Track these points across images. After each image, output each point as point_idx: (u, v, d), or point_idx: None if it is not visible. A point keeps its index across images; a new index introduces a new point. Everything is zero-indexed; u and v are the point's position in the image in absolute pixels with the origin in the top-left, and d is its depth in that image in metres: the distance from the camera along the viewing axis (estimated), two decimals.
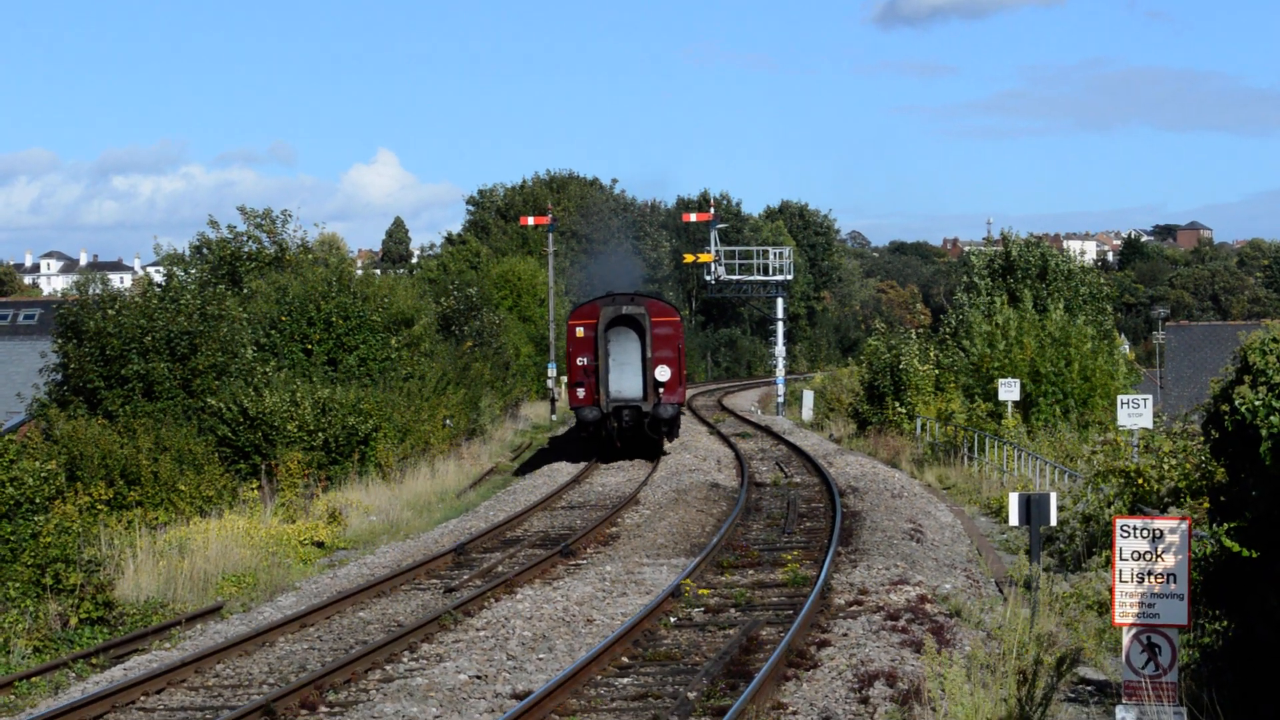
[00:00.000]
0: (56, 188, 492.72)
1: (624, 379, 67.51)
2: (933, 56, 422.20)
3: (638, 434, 67.85)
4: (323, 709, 25.72)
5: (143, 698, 27.35)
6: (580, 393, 67.36)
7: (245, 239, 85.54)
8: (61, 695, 28.19)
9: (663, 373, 66.46)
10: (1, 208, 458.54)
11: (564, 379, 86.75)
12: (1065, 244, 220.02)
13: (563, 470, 64.60)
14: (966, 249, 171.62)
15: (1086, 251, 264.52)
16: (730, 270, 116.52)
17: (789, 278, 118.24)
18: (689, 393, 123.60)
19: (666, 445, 71.89)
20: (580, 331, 67.77)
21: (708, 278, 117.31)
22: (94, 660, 31.01)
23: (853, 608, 32.09)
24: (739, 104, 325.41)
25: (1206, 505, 24.74)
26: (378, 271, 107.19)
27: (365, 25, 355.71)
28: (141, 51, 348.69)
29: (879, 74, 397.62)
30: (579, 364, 67.35)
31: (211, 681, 28.61)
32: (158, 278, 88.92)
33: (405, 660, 29.23)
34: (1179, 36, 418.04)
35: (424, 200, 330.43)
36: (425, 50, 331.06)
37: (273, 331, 69.33)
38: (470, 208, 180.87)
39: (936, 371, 78.41)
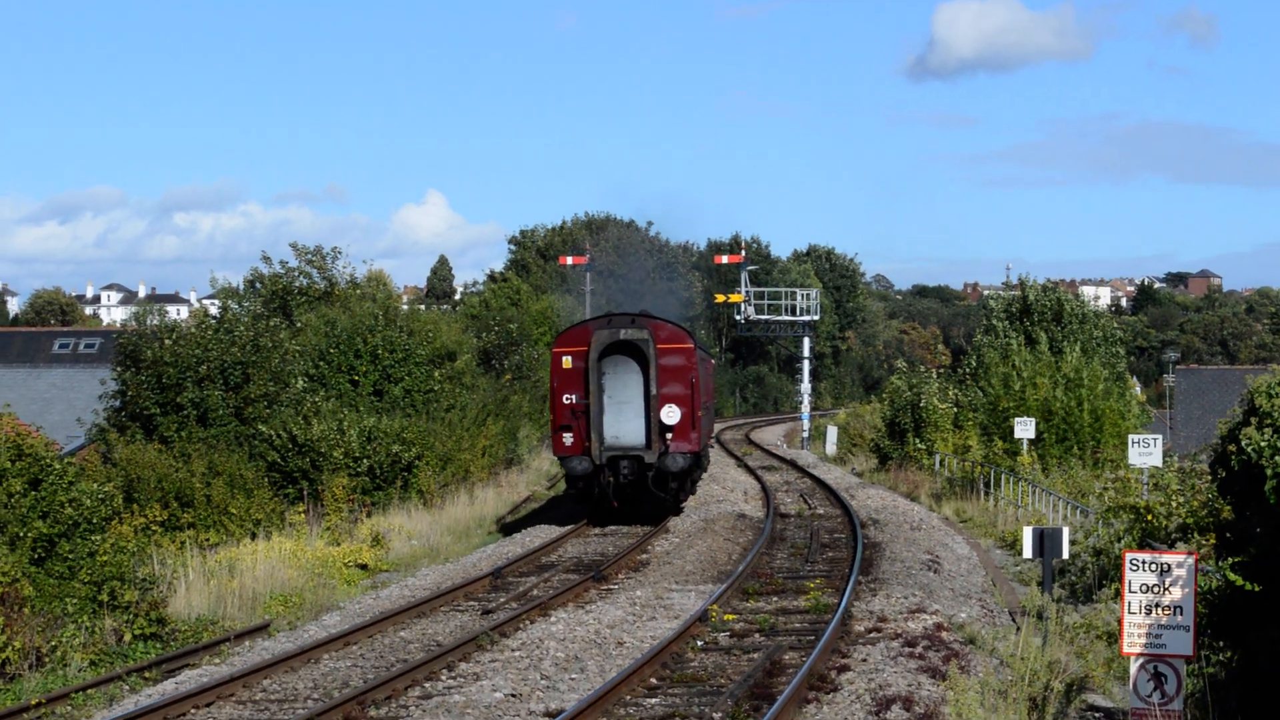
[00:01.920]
0: (121, 223, 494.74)
1: (622, 422, 53.54)
2: (959, 108, 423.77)
3: (640, 491, 53.68)
4: None
5: (193, 710, 27.39)
6: (567, 439, 53.21)
7: (297, 274, 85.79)
8: (115, 707, 28.25)
9: (671, 414, 52.57)
10: (68, 242, 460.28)
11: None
12: (1080, 289, 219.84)
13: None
14: (986, 293, 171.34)
15: (1101, 297, 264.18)
16: (759, 310, 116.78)
17: (815, 318, 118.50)
18: (717, 427, 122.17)
19: (684, 502, 58.81)
20: (567, 362, 53.49)
21: (738, 317, 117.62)
22: (147, 674, 31.07)
23: (872, 634, 32.05)
24: (771, 151, 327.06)
25: (1213, 541, 24.70)
26: (422, 307, 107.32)
27: (419, 73, 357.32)
28: (205, 95, 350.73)
29: (908, 124, 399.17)
30: (565, 402, 53.23)
31: (259, 696, 28.64)
32: (213, 310, 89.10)
33: (444, 678, 29.24)
34: (1195, 92, 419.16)
35: (470, 240, 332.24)
36: (475, 98, 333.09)
37: (321, 363, 69.40)
38: (512, 247, 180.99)
39: (955, 410, 78.28)
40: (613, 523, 55.02)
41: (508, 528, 57.33)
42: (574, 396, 53.12)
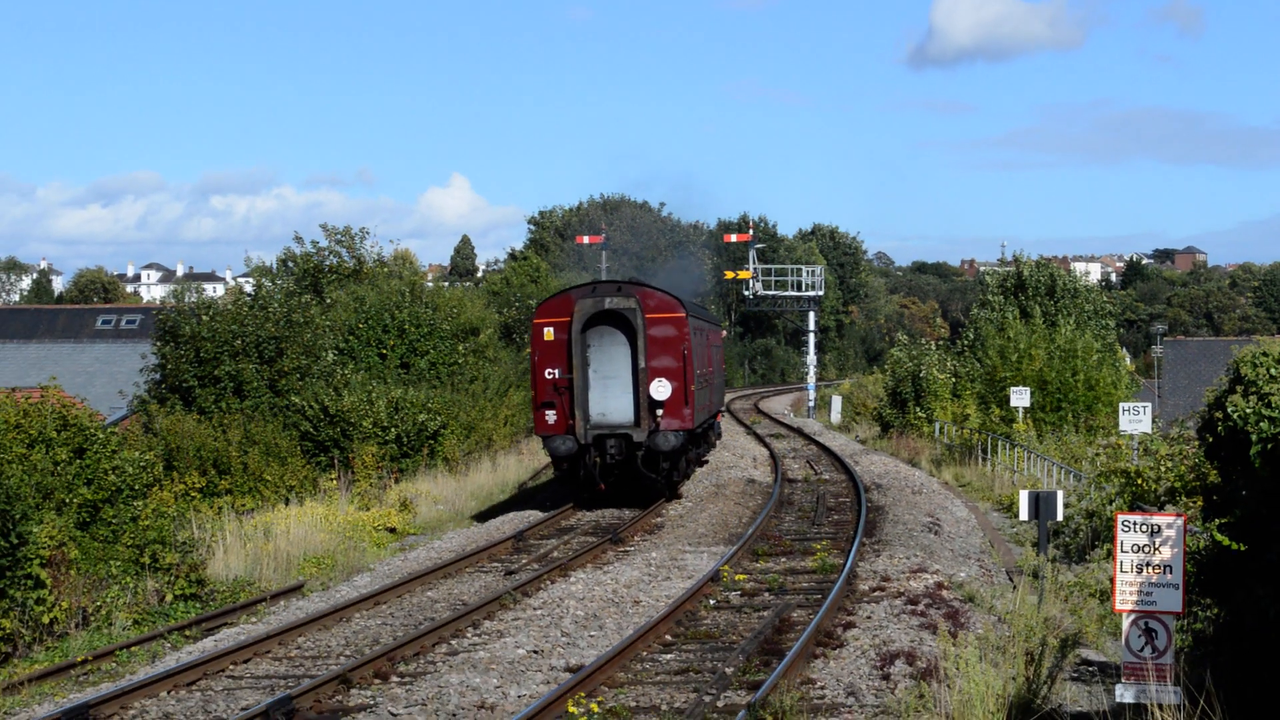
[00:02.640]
0: (161, 206, 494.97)
1: (608, 398, 47.85)
2: (957, 95, 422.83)
3: (629, 472, 48.26)
4: (394, 679, 25.76)
5: (231, 666, 27.42)
6: (549, 416, 47.73)
7: (327, 254, 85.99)
8: (158, 663, 28.28)
9: (661, 389, 46.94)
10: (110, 224, 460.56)
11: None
12: (1072, 265, 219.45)
13: None
14: (982, 269, 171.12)
15: (1092, 272, 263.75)
16: (767, 286, 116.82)
17: (820, 294, 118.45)
18: (728, 396, 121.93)
19: (680, 484, 52.58)
20: (548, 333, 47.81)
21: (746, 293, 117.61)
22: (187, 633, 31.09)
23: (876, 593, 32.06)
24: (777, 135, 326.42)
25: (1200, 503, 24.69)
26: (446, 284, 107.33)
27: (442, 63, 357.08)
28: (241, 83, 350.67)
29: (908, 110, 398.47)
30: (547, 377, 47.53)
31: (294, 653, 28.68)
32: (248, 288, 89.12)
33: (469, 636, 29.27)
34: (1182, 79, 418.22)
35: (492, 221, 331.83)
36: (496, 86, 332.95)
37: (351, 337, 69.53)
38: (531, 227, 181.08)
39: (954, 380, 78.28)
40: (601, 506, 49.47)
41: (529, 493, 57.30)
42: (556, 371, 47.59)
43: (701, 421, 52.87)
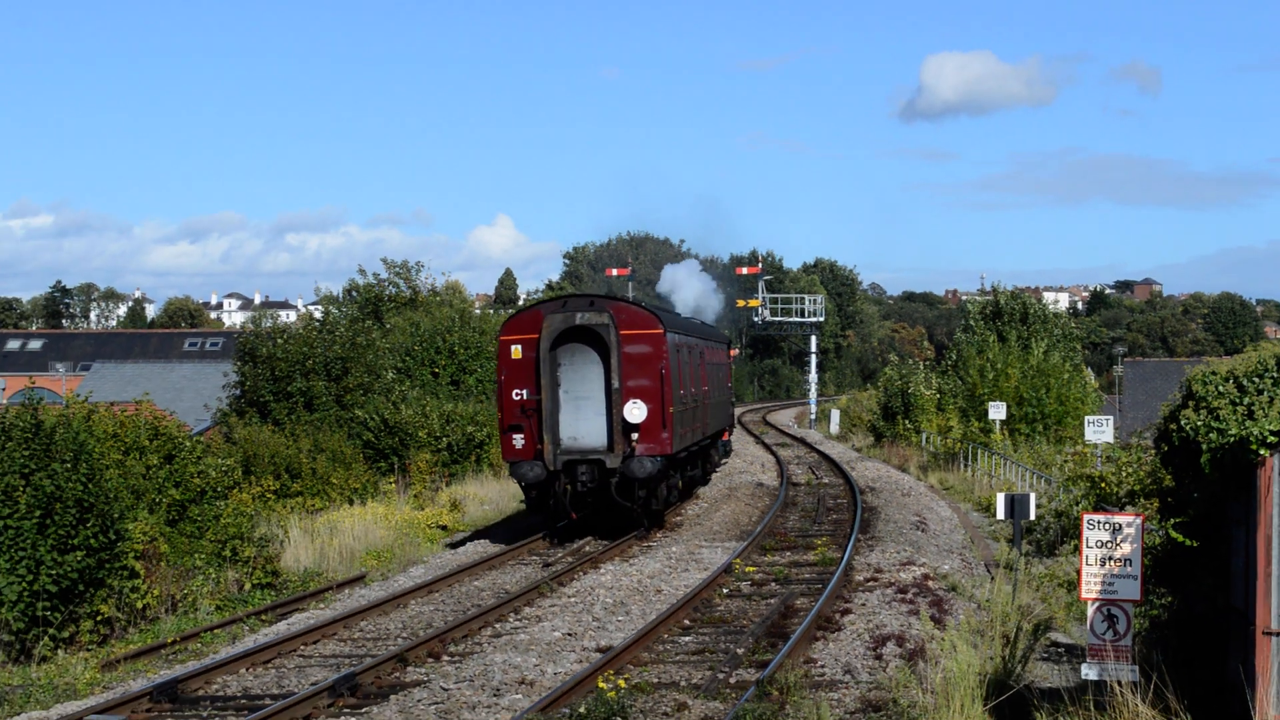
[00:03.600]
0: (242, 242, 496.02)
1: (580, 420, 40.40)
2: (942, 145, 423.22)
3: (602, 500, 40.62)
4: (445, 657, 25.78)
5: (303, 647, 27.44)
6: (516, 440, 40.26)
7: (387, 284, 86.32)
8: (238, 644, 28.31)
9: (636, 411, 39.64)
10: (197, 258, 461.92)
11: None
12: (1043, 294, 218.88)
13: None
14: (964, 298, 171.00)
15: (1060, 300, 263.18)
16: (774, 313, 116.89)
17: (821, 320, 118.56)
18: (738, 411, 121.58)
19: (665, 513, 44.42)
20: (516, 351, 40.48)
21: (755, 319, 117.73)
22: (263, 617, 31.14)
23: (870, 583, 32.01)
24: (784, 179, 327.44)
25: (1156, 505, 24.63)
26: (492, 311, 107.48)
27: (489, 116, 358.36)
28: (314, 133, 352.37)
29: (899, 157, 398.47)
30: (514, 398, 40.14)
31: (357, 635, 28.69)
32: (317, 314, 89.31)
33: (511, 620, 29.26)
34: (1141, 131, 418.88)
35: (532, 255, 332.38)
36: (537, 135, 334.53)
37: (408, 358, 69.74)
38: (567, 261, 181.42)
39: (938, 395, 78.22)
40: (574, 536, 41.88)
41: None
42: (524, 392, 40.19)
43: (687, 445, 44.62)
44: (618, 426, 39.80)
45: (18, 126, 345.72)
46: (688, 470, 48.39)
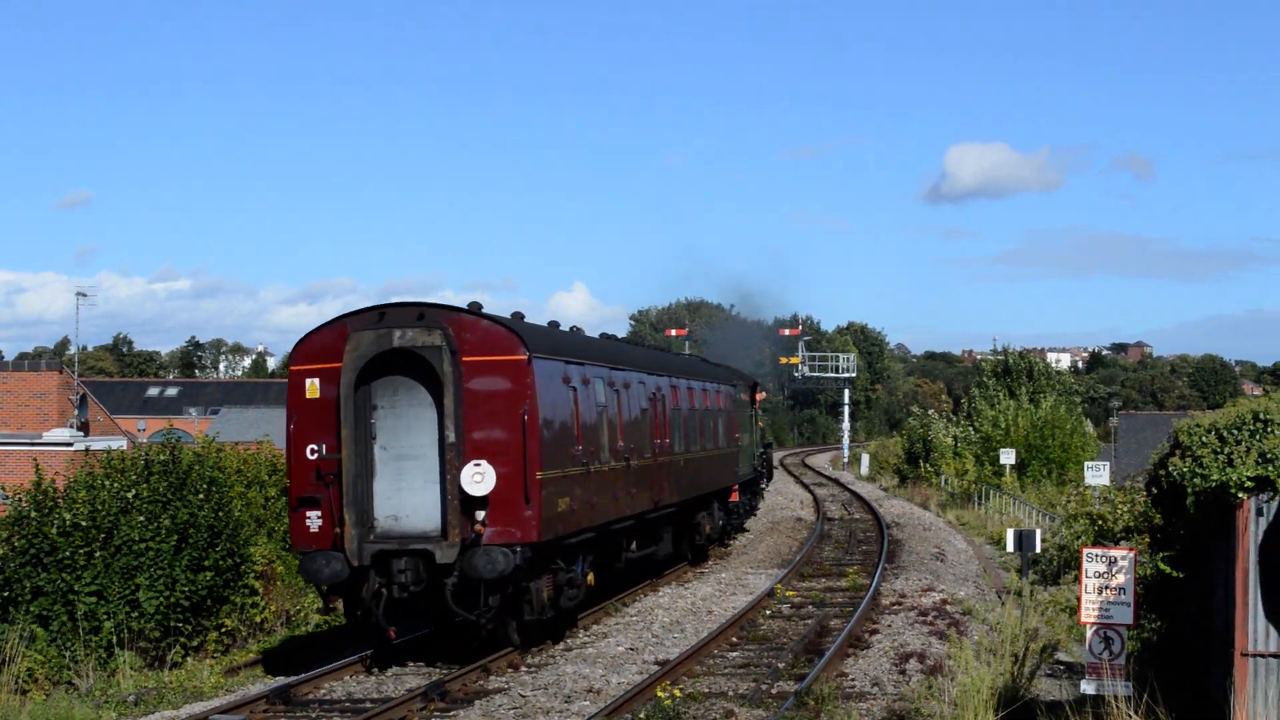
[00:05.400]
0: (354, 304, 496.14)
1: (402, 490, 25.21)
2: (963, 224, 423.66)
3: (437, 609, 25.31)
4: (523, 668, 25.68)
5: (397, 657, 27.37)
6: (311, 520, 25.15)
7: None
8: (343, 655, 28.24)
9: (480, 478, 24.51)
10: (315, 317, 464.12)
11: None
12: (1047, 354, 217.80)
13: None
14: (979, 357, 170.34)
15: (1063, 360, 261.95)
16: (812, 369, 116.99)
17: (853, 375, 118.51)
18: (780, 455, 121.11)
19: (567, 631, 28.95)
20: (312, 387, 25.43)
21: (795, 374, 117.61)
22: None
23: (895, 607, 31.84)
24: (823, 252, 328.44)
25: (1148, 540, 24.44)
26: None
27: (568, 195, 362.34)
28: (419, 211, 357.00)
29: (925, 234, 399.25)
30: (309, 457, 25.31)
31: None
32: None
33: (580, 636, 29.19)
34: (1136, 212, 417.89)
35: (604, 317, 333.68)
36: (610, 214, 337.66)
37: None
38: (632, 322, 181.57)
39: (955, 442, 78.01)
40: (399, 659, 26.33)
41: None
42: (323, 447, 25.03)
43: (595, 525, 28.25)
44: (454, 501, 24.19)
45: (162, 202, 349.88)
46: (626, 551, 32.34)
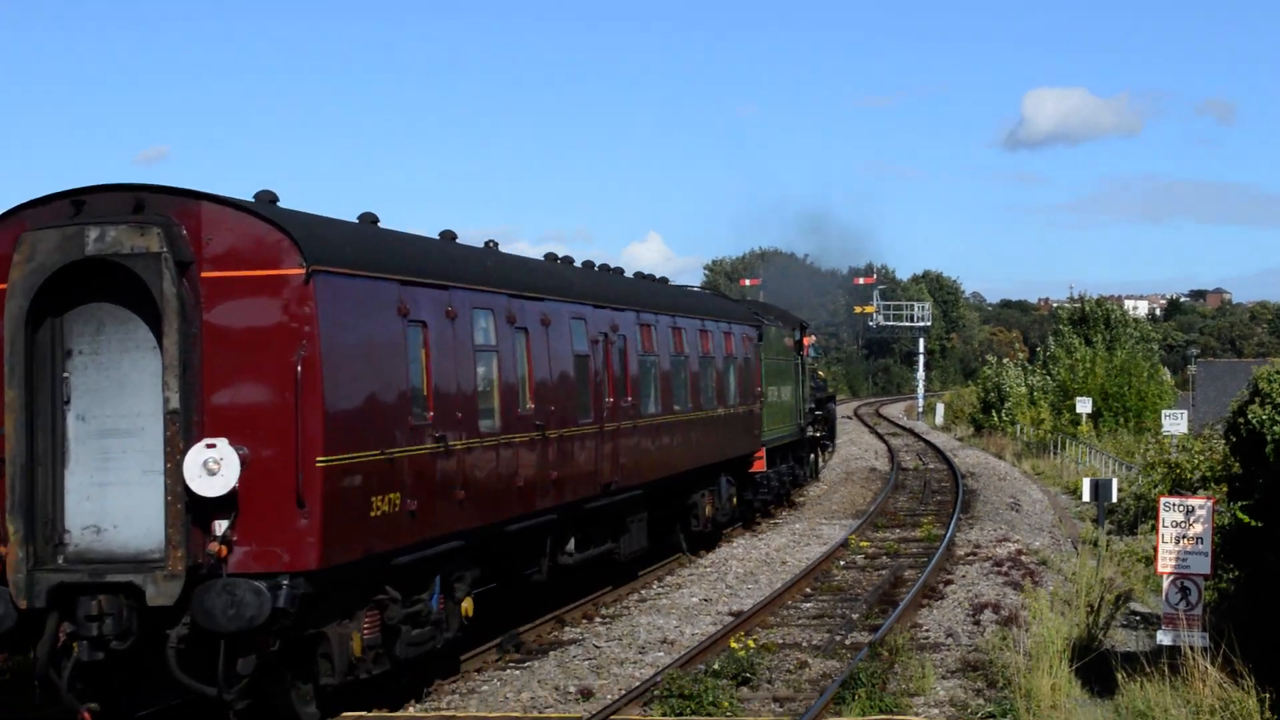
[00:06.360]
0: None
1: (110, 488, 15.43)
2: (1039, 170, 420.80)
3: (161, 676, 15.50)
4: (598, 619, 25.76)
5: None
6: None
7: None
8: None
9: (219, 468, 14.87)
10: None
11: None
12: (1124, 302, 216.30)
13: None
14: (1055, 305, 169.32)
15: (1140, 308, 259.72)
16: (887, 319, 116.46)
17: (928, 324, 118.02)
18: (853, 406, 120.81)
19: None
20: None
21: (870, 324, 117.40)
22: None
23: (970, 557, 31.71)
24: (899, 201, 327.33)
25: (1225, 489, 24.22)
26: None
27: (642, 145, 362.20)
28: (494, 162, 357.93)
29: (1002, 181, 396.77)
30: None
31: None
32: None
33: (655, 587, 29.22)
34: (1216, 158, 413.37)
35: (679, 267, 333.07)
36: (685, 164, 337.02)
37: None
38: (706, 272, 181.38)
39: (1030, 391, 77.69)
40: None
41: None
42: None
43: (397, 547, 17.20)
44: (176, 504, 15.23)
45: (239, 155, 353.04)
46: (556, 555, 23.78)
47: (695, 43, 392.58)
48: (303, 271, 15.50)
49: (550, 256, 25.95)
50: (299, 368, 15.36)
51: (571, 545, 24.31)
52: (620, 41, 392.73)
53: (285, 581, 15.25)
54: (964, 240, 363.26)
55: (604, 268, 28.84)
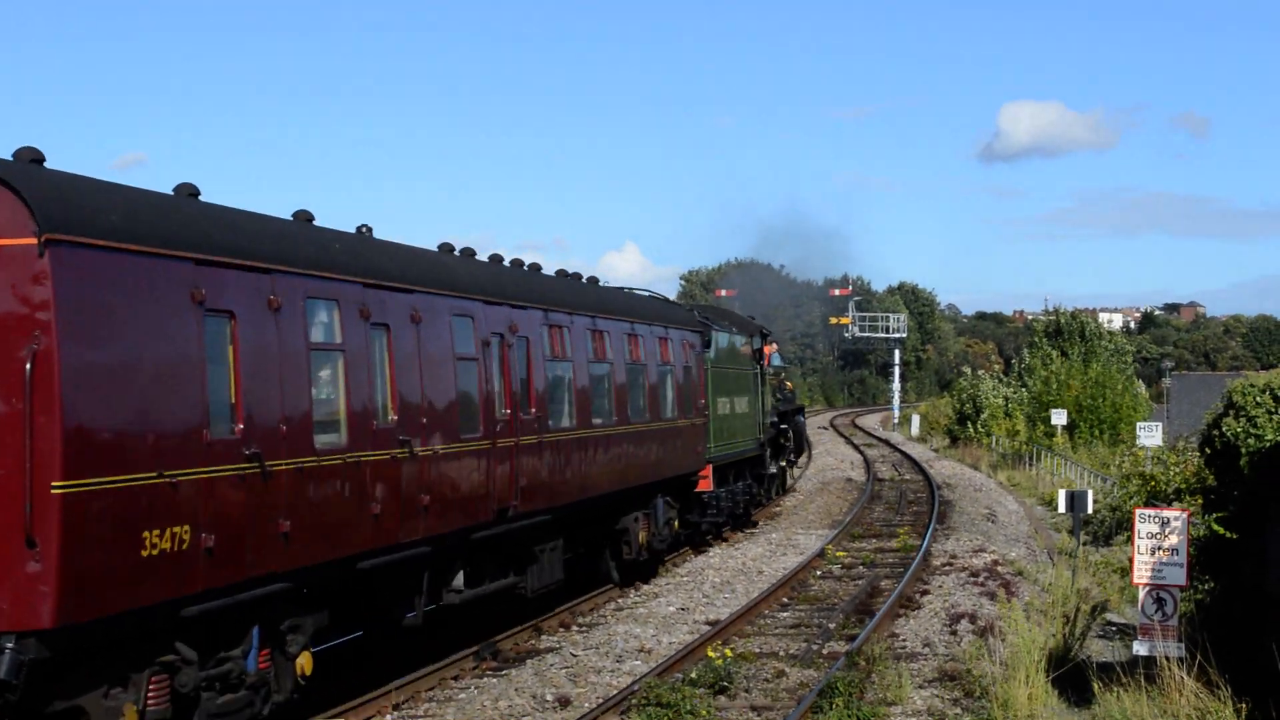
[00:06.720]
0: None
1: None
2: (1014, 184, 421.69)
3: None
4: (574, 628, 25.78)
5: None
6: None
7: None
8: None
9: None
10: None
11: None
12: (1099, 315, 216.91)
13: None
14: (1029, 317, 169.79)
15: (1114, 320, 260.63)
16: (862, 329, 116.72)
17: (903, 336, 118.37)
18: (828, 417, 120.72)
19: None
20: None
21: (846, 334, 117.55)
22: None
23: (946, 568, 31.79)
24: (874, 212, 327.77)
25: (1200, 501, 24.34)
26: None
27: (617, 156, 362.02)
28: (470, 170, 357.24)
29: (977, 195, 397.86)
30: None
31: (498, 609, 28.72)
32: None
33: (632, 596, 29.25)
34: (1191, 172, 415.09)
35: (655, 277, 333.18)
36: (660, 174, 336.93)
37: None
38: (682, 282, 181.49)
39: (1005, 402, 77.86)
40: None
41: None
42: None
43: (189, 594, 13.71)
44: None
45: (212, 163, 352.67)
46: (440, 593, 20.74)
47: (673, 54, 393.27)
48: (35, 241, 12.07)
49: (466, 252, 22.30)
50: (28, 365, 11.98)
51: (459, 581, 20.81)
52: (597, 52, 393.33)
53: (8, 645, 11.97)
54: (939, 252, 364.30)
55: (560, 272, 26.58)
